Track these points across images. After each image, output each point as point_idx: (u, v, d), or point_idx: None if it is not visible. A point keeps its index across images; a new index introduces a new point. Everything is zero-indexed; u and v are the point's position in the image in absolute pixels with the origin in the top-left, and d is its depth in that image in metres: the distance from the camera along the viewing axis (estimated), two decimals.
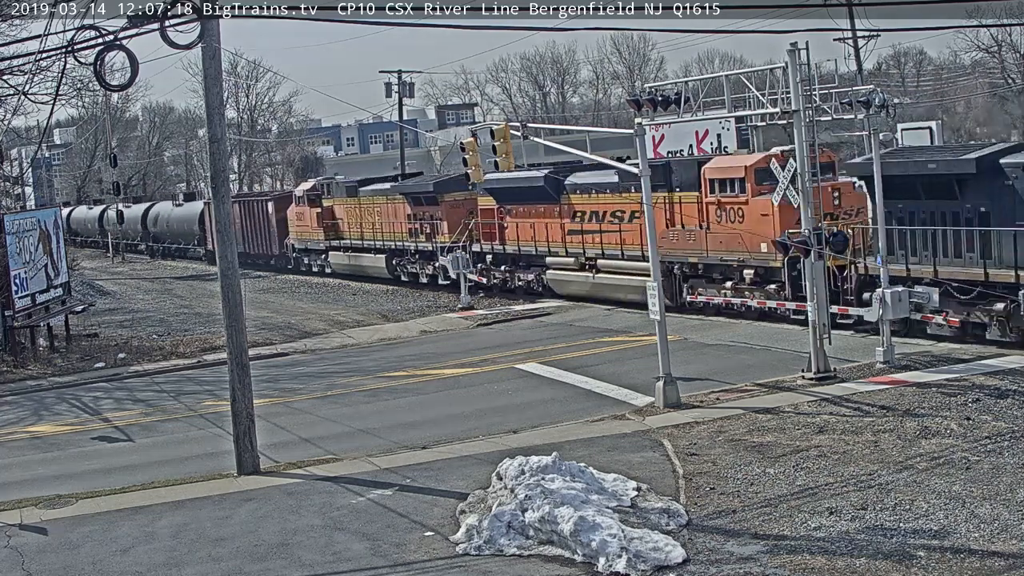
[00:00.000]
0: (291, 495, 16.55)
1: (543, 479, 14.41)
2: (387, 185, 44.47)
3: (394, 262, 43.52)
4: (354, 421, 21.40)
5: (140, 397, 25.76)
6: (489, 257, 37.91)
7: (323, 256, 49.14)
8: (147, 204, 77.93)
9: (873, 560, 12.28)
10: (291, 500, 16.29)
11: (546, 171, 35.35)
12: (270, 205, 54.38)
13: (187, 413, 23.43)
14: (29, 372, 29.51)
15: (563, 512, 13.57)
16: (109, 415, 23.92)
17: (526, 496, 14.10)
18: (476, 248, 37.72)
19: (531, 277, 36.00)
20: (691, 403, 20.08)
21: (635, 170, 21.72)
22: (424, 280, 41.67)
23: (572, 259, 33.82)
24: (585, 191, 33.36)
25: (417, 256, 42.10)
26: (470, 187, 35.36)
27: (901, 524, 13.28)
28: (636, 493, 14.91)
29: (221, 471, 18.16)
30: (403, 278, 43.28)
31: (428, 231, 40.66)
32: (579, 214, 33.52)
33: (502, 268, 37.41)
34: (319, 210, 48.72)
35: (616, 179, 31.40)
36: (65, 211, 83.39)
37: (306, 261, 51.19)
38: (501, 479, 15.13)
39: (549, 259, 34.81)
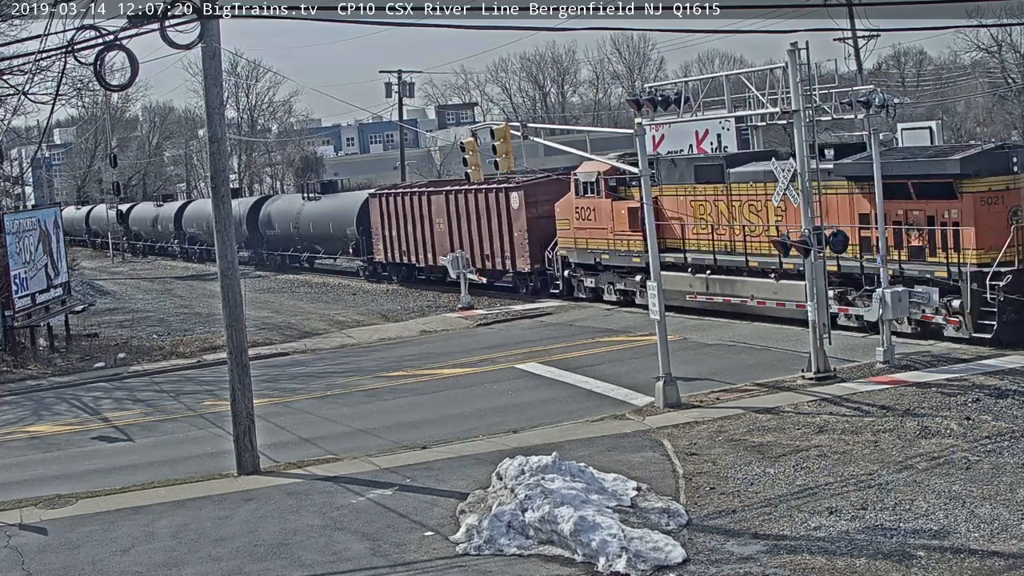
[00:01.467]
0: (291, 495, 16.55)
1: (543, 479, 14.42)
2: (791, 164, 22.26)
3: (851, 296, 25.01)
4: (354, 421, 21.40)
5: (140, 397, 25.76)
6: None
7: (635, 277, 30.71)
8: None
9: (873, 560, 12.28)
10: (291, 500, 16.30)
11: None
12: (514, 197, 35.83)
13: (187, 413, 23.43)
14: (29, 372, 29.50)
15: (563, 512, 13.57)
16: (109, 415, 23.92)
17: (526, 496, 14.10)
18: None
19: None
20: (691, 403, 20.08)
21: None
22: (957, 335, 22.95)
23: None
24: None
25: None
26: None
27: (901, 524, 13.28)
28: (636, 493, 14.91)
29: (221, 471, 18.16)
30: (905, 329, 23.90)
31: (930, 241, 23.52)
32: None
33: None
34: (629, 204, 30.53)
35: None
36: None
37: (590, 284, 32.92)
38: (501, 479, 15.14)
39: None
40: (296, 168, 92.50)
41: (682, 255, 29.05)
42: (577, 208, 32.71)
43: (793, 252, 22.81)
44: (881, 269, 22.30)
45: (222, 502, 16.51)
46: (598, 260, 32.16)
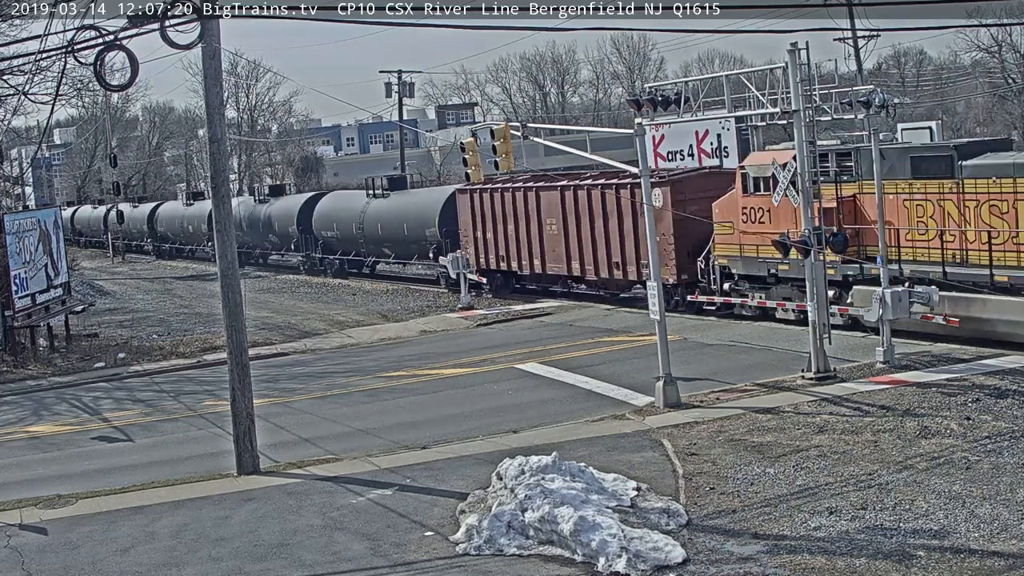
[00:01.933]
0: (291, 495, 16.55)
1: (543, 479, 14.42)
2: None
3: None
4: (354, 421, 21.40)
5: (140, 397, 25.76)
6: None
7: (838, 292, 25.16)
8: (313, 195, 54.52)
9: (873, 560, 12.29)
10: (291, 500, 16.29)
11: None
12: (657, 193, 28.15)
13: (187, 413, 23.43)
14: (29, 372, 29.50)
15: (563, 512, 13.57)
16: (109, 415, 23.92)
17: (526, 496, 14.10)
18: None
19: None
20: (691, 403, 20.08)
21: None
22: None
23: None
24: None
25: None
26: None
27: (901, 524, 13.29)
28: (636, 493, 14.91)
29: (221, 471, 18.16)
30: None
31: None
32: None
33: None
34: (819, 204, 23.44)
35: None
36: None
37: (758, 299, 27.27)
38: (501, 479, 15.14)
39: None
40: (296, 168, 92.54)
41: (896, 266, 23.78)
42: (745, 208, 26.98)
43: None
44: (881, 269, 22.30)
45: (222, 502, 16.50)
46: (773, 271, 26.45)
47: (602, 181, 32.33)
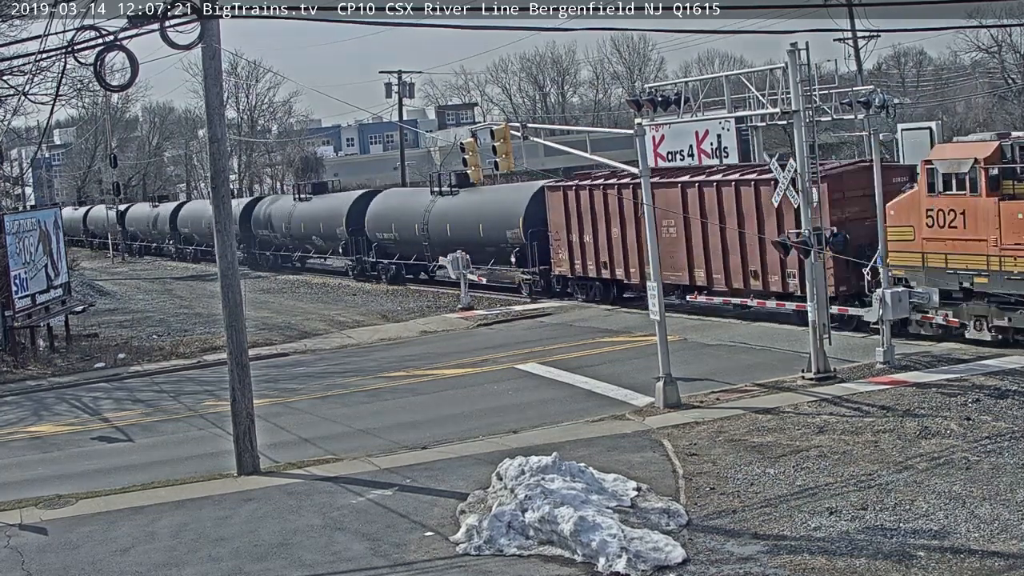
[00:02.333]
0: (291, 495, 16.55)
1: (543, 479, 14.42)
2: None
3: None
4: (354, 421, 21.40)
5: (140, 397, 25.75)
6: None
7: None
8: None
9: (873, 560, 12.29)
10: (291, 500, 16.29)
11: None
12: (815, 190, 22.01)
13: (187, 413, 23.43)
14: (29, 372, 29.50)
15: (563, 512, 13.58)
16: (109, 415, 23.92)
17: (526, 496, 14.10)
18: None
19: None
20: (691, 403, 20.08)
21: None
22: None
23: None
24: None
25: None
26: None
27: (901, 524, 13.29)
28: (636, 493, 14.91)
29: (221, 471, 18.16)
30: None
31: None
32: None
33: None
34: None
35: None
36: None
37: (943, 317, 23.37)
38: (501, 479, 15.14)
39: None
40: (296, 168, 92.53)
41: None
42: (930, 210, 23.17)
43: None
44: (881, 269, 22.30)
45: (222, 502, 16.50)
46: (967, 284, 22.81)
47: (736, 176, 28.09)
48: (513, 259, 36.06)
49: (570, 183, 33.85)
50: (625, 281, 32.07)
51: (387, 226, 43.62)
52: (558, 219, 33.89)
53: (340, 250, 47.38)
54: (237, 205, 50.99)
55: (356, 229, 45.48)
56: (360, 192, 48.93)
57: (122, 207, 73.64)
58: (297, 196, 51.63)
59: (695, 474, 15.89)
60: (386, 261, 44.40)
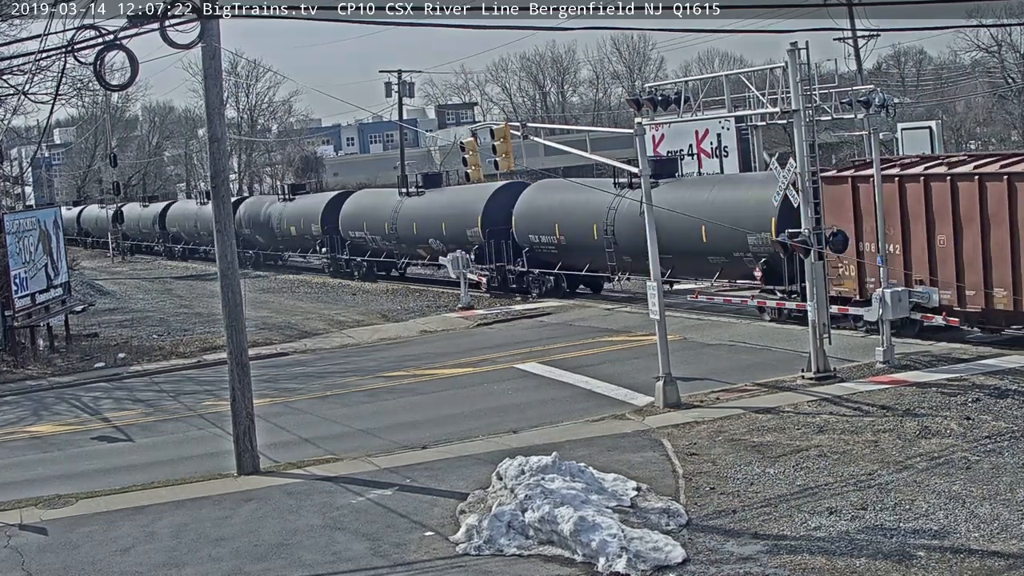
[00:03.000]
0: (291, 495, 16.55)
1: (543, 479, 14.42)
2: None
3: None
4: (354, 421, 21.40)
5: (140, 397, 25.75)
6: None
7: None
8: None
9: (873, 560, 12.29)
10: (291, 500, 16.29)
11: None
12: None
13: (187, 413, 23.43)
14: (29, 372, 29.49)
15: (563, 512, 13.58)
16: (109, 415, 23.92)
17: (526, 496, 14.10)
18: None
19: None
20: (691, 403, 20.08)
21: None
22: None
23: None
24: None
25: None
26: None
27: (901, 524, 13.29)
28: (636, 493, 14.91)
29: (221, 471, 18.15)
30: None
31: None
32: None
33: None
34: None
35: None
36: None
37: None
38: (501, 479, 15.14)
39: None
40: (296, 168, 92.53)
41: None
42: None
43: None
44: (881, 269, 22.30)
45: (222, 502, 16.50)
46: None
47: (995, 168, 22.79)
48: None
49: (856, 172, 25.45)
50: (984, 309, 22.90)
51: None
52: (843, 221, 24.45)
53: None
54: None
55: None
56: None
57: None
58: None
59: (695, 474, 15.89)
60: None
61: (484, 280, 36.53)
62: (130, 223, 72.15)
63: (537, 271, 35.97)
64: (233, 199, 63.58)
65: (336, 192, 51.96)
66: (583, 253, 34.24)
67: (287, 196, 52.92)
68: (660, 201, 29.12)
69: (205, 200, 61.52)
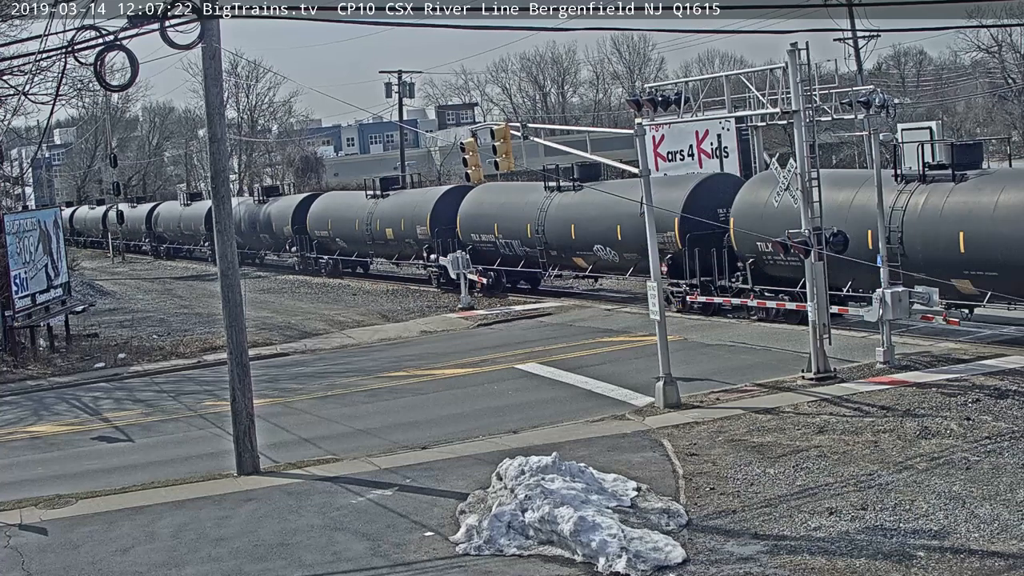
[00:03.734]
0: (291, 495, 16.55)
1: (543, 479, 14.42)
2: None
3: None
4: (354, 421, 21.41)
5: (140, 397, 25.75)
6: None
7: None
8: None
9: (873, 560, 12.29)
10: (291, 500, 16.30)
11: None
12: None
13: (187, 413, 23.43)
14: (29, 372, 29.49)
15: (563, 512, 13.57)
16: (109, 415, 23.92)
17: (526, 496, 14.10)
18: None
19: None
20: (691, 403, 20.08)
21: None
22: None
23: None
24: None
25: None
26: None
27: (901, 524, 13.29)
28: (636, 493, 14.91)
29: (221, 471, 18.16)
30: None
31: None
32: None
33: None
34: None
35: None
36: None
37: None
38: (501, 479, 15.13)
39: None
40: (296, 168, 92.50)
41: None
42: None
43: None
44: (882, 269, 22.30)
45: (222, 502, 16.50)
46: None
47: None
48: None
49: None
50: None
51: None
52: None
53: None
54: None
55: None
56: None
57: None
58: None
59: (695, 474, 15.89)
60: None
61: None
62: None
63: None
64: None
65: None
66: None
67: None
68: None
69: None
